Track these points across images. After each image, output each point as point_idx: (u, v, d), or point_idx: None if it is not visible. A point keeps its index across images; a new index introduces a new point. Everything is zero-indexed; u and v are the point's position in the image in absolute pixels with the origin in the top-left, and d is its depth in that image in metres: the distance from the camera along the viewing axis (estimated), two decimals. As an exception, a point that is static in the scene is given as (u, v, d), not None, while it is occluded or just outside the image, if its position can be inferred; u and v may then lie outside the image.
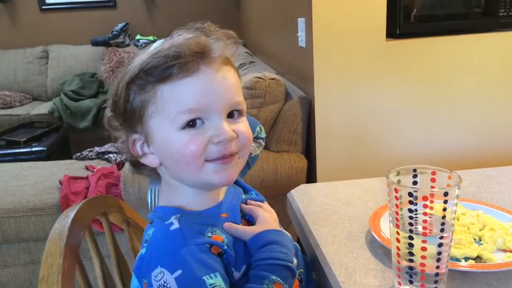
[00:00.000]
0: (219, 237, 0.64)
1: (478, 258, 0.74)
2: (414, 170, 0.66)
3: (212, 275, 0.59)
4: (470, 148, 1.78)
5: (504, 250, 0.75)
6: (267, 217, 0.71)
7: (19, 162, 2.58)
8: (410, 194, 0.59)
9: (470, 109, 1.72)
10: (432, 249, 0.60)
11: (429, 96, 1.70)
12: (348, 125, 1.72)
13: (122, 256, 0.82)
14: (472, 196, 0.91)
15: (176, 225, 0.63)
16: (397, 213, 0.61)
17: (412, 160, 1.75)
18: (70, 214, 0.69)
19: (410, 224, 0.60)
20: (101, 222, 0.81)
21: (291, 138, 1.78)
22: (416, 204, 0.59)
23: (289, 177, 1.76)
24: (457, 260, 0.73)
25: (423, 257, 0.60)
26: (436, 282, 0.62)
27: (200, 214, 0.68)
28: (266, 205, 0.76)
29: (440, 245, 0.60)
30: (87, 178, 2.19)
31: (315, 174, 1.82)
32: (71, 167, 2.39)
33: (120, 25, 4.16)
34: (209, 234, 0.64)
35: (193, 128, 0.63)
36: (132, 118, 0.66)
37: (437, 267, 0.61)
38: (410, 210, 0.60)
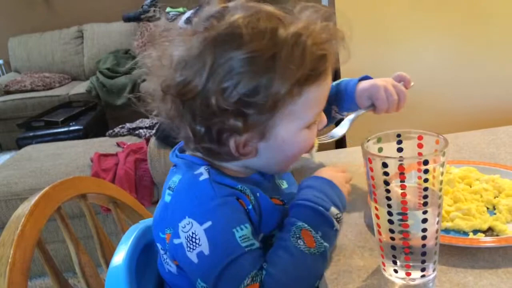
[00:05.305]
0: (248, 196, 0.61)
1: (489, 231, 0.65)
2: (398, 136, 0.57)
3: (242, 226, 0.57)
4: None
5: (521, 220, 0.65)
6: (325, 170, 0.66)
7: (58, 141, 2.65)
8: (384, 165, 0.50)
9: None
10: (415, 225, 0.52)
11: (471, 46, 1.52)
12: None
13: (106, 237, 0.79)
14: (490, 158, 0.80)
15: (205, 175, 0.60)
16: (373, 186, 0.53)
17: (451, 121, 1.60)
18: (32, 199, 0.66)
19: (388, 198, 0.52)
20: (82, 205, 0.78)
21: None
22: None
23: (316, 143, 1.68)
24: (465, 234, 0.64)
25: (406, 234, 0.52)
26: (423, 262, 0.54)
27: (228, 176, 0.63)
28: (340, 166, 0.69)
29: (424, 221, 0.51)
30: (116, 155, 2.22)
31: (344, 139, 1.73)
32: (104, 144, 2.42)
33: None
34: (239, 188, 0.60)
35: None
36: (259, 116, 0.58)
37: (423, 246, 0.53)
38: (386, 182, 0.51)
